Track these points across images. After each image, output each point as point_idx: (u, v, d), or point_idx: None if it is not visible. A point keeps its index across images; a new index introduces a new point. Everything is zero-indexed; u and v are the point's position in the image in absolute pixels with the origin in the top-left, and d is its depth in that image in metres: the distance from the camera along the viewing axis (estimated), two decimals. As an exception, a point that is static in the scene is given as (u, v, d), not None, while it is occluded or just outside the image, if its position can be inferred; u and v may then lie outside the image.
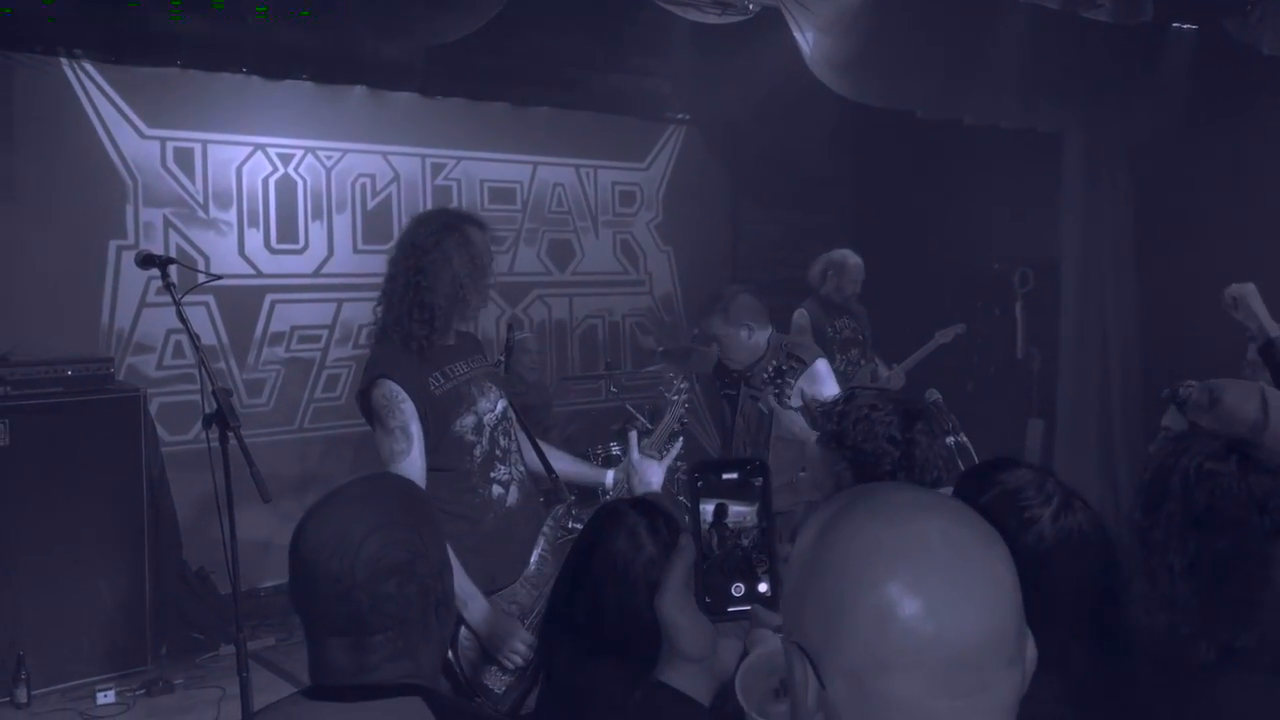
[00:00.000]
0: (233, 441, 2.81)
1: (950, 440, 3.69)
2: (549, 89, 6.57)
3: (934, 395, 4.02)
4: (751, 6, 5.19)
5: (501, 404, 3.00)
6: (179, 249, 5.39)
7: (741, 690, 1.22)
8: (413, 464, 2.74)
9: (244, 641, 2.74)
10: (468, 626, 2.65)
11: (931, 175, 6.76)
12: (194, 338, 2.71)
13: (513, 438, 3.05)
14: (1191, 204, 5.73)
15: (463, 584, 2.54)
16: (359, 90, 5.98)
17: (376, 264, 5.95)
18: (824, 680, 0.85)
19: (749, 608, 1.08)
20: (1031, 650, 0.87)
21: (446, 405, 2.84)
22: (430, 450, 2.79)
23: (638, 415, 5.59)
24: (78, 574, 4.54)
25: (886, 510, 0.88)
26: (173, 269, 2.98)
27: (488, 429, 2.93)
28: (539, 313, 6.82)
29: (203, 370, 2.68)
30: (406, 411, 2.74)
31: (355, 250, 5.97)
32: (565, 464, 3.21)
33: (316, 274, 5.88)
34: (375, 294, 3.00)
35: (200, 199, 5.51)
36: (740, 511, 1.09)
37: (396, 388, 2.74)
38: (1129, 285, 6.22)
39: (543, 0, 5.38)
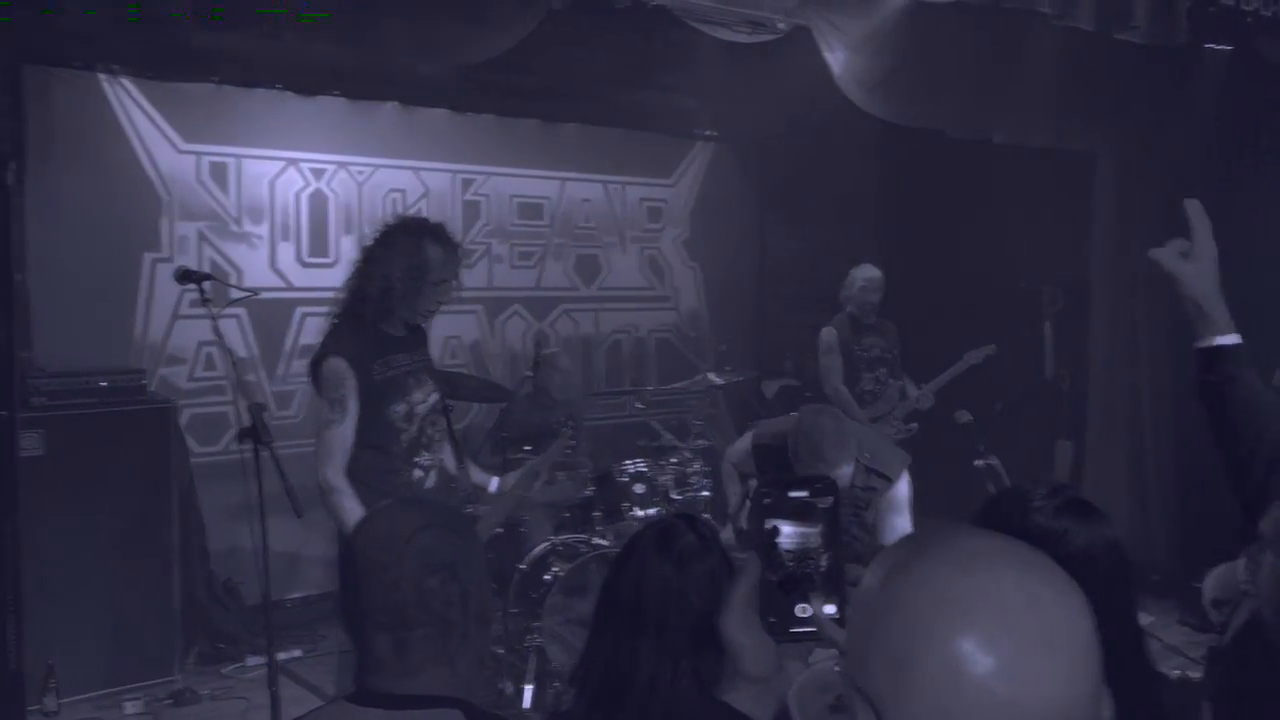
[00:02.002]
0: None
1: (979, 463, 3.67)
2: (578, 106, 6.61)
3: (965, 417, 3.99)
4: (781, 25, 5.19)
5: (434, 397, 3.37)
6: (212, 263, 5.44)
7: (796, 706, 1.21)
8: (342, 434, 3.08)
9: (275, 655, 2.75)
10: None
11: (960, 193, 6.73)
12: (229, 353, 2.76)
13: (440, 429, 3.40)
14: (1224, 225, 5.66)
15: None
16: (391, 106, 6.03)
17: (406, 278, 6.05)
18: None
19: (814, 630, 1.06)
20: (1108, 710, 0.83)
21: (383, 391, 3.17)
22: (362, 428, 3.12)
23: (664, 431, 5.58)
24: (108, 583, 4.58)
25: (960, 559, 0.83)
26: (208, 284, 3.03)
27: (418, 418, 3.28)
28: (565, 327, 6.84)
29: (237, 385, 2.72)
30: (348, 387, 3.08)
31: (385, 264, 6.01)
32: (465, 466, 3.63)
33: (346, 288, 5.93)
34: None
35: (233, 213, 5.57)
36: (806, 532, 1.08)
37: (344, 364, 3.09)
38: (1160, 306, 6.16)
39: (573, 18, 5.42)
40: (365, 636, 1.51)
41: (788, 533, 1.08)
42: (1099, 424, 6.36)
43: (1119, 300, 6.27)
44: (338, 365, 3.10)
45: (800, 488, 1.09)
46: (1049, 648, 0.78)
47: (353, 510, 3.06)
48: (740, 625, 1.11)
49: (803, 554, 1.08)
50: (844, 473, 3.57)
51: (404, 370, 3.26)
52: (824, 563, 1.07)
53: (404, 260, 3.18)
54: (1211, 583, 3.48)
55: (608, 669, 1.69)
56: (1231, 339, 1.90)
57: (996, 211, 6.57)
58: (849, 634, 0.89)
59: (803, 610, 1.06)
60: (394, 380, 3.22)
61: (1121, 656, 1.54)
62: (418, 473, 3.29)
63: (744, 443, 4.45)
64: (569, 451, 4.14)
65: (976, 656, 0.77)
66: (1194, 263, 1.88)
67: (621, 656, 1.68)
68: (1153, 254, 1.90)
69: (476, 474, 3.67)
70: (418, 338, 3.41)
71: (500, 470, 4.77)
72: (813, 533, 1.08)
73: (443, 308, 3.45)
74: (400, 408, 3.22)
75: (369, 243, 3.31)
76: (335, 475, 3.09)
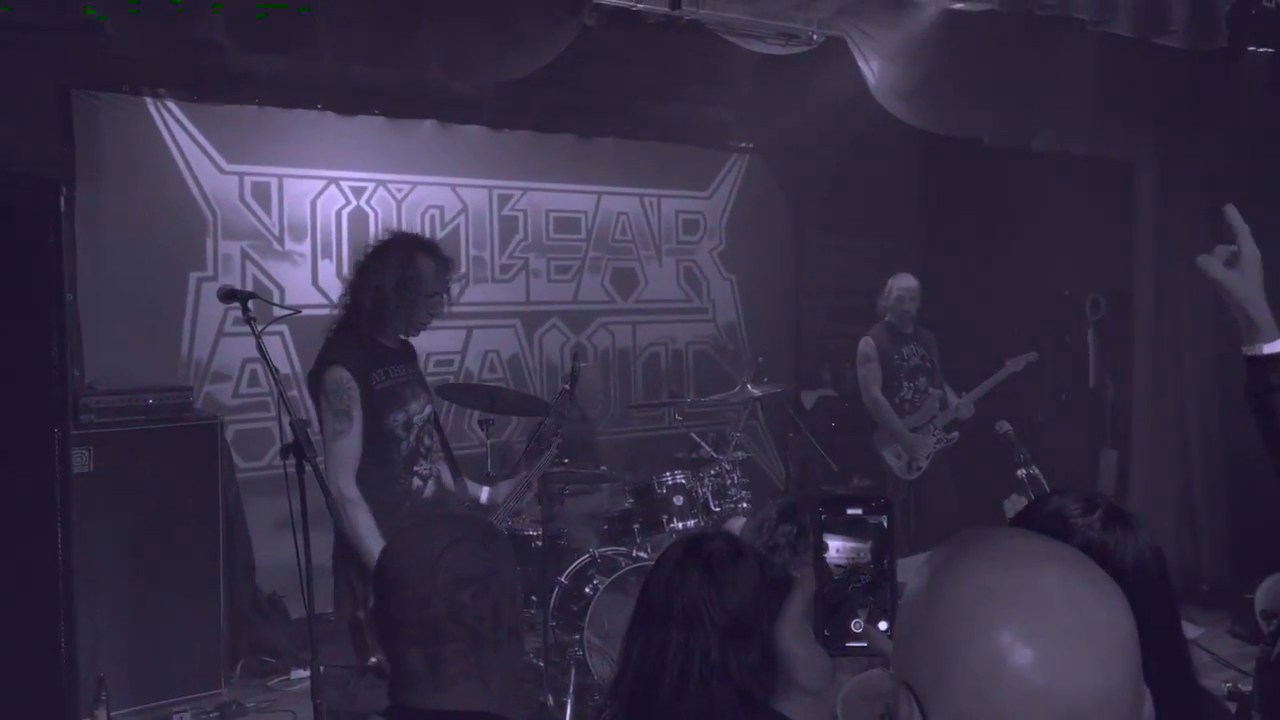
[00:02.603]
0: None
1: (1021, 473, 3.64)
2: (613, 120, 6.65)
3: (1005, 427, 3.96)
4: (816, 37, 5.20)
5: (429, 408, 3.43)
6: (255, 281, 5.54)
7: (844, 714, 1.23)
8: (351, 443, 3.13)
9: (319, 668, 2.79)
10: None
11: (999, 200, 6.68)
12: (273, 370, 2.80)
13: (434, 439, 3.45)
14: (1270, 231, 5.57)
15: (376, 545, 2.95)
16: (429, 124, 6.11)
17: (444, 294, 6.11)
18: None
19: (866, 644, 1.08)
20: (1149, 709, 0.86)
21: (383, 400, 3.22)
22: (364, 437, 3.15)
23: (702, 443, 5.58)
24: (156, 597, 4.66)
25: (1002, 556, 0.87)
26: (252, 302, 3.08)
27: (416, 427, 3.33)
28: (603, 340, 6.86)
29: (282, 401, 2.76)
30: (352, 395, 3.13)
31: (424, 280, 6.07)
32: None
33: (386, 304, 5.99)
34: (443, 323, 3.37)
35: (276, 232, 5.66)
36: (856, 547, 1.10)
37: (347, 374, 3.13)
38: (1206, 312, 6.07)
39: (607, 34, 5.46)
40: (398, 651, 1.53)
41: (837, 547, 1.11)
42: (1144, 432, 6.27)
43: (1163, 306, 6.19)
44: (340, 375, 3.15)
45: (856, 505, 1.12)
46: (1087, 641, 0.81)
47: (365, 523, 3.09)
48: (795, 637, 1.14)
49: (851, 569, 1.10)
50: None
51: (401, 380, 3.32)
52: (871, 577, 1.09)
53: (397, 272, 3.26)
54: (1263, 594, 3.41)
55: (638, 672, 1.71)
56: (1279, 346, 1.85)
57: (1037, 218, 6.51)
58: (896, 632, 0.92)
59: (856, 625, 1.09)
60: (393, 390, 3.27)
61: (1168, 666, 1.52)
62: (416, 481, 3.35)
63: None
64: (562, 463, 4.21)
65: (1016, 647, 0.80)
66: (1239, 269, 1.86)
67: (650, 656, 1.69)
68: (1199, 261, 1.88)
69: (469, 485, 3.72)
70: (409, 350, 3.49)
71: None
72: (863, 548, 1.10)
73: (435, 321, 3.51)
74: (399, 417, 3.28)
75: (362, 257, 3.37)
76: (349, 486, 3.13)
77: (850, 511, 1.11)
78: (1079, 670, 0.80)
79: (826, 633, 1.09)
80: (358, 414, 3.15)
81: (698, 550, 1.77)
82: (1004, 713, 0.80)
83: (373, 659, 2.86)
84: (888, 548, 1.10)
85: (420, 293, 3.30)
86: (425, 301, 3.34)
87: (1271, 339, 1.86)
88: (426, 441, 3.40)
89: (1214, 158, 5.80)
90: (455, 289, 3.57)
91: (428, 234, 6.07)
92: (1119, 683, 0.81)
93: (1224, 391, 6.09)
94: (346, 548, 3.18)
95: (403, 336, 3.44)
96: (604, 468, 5.73)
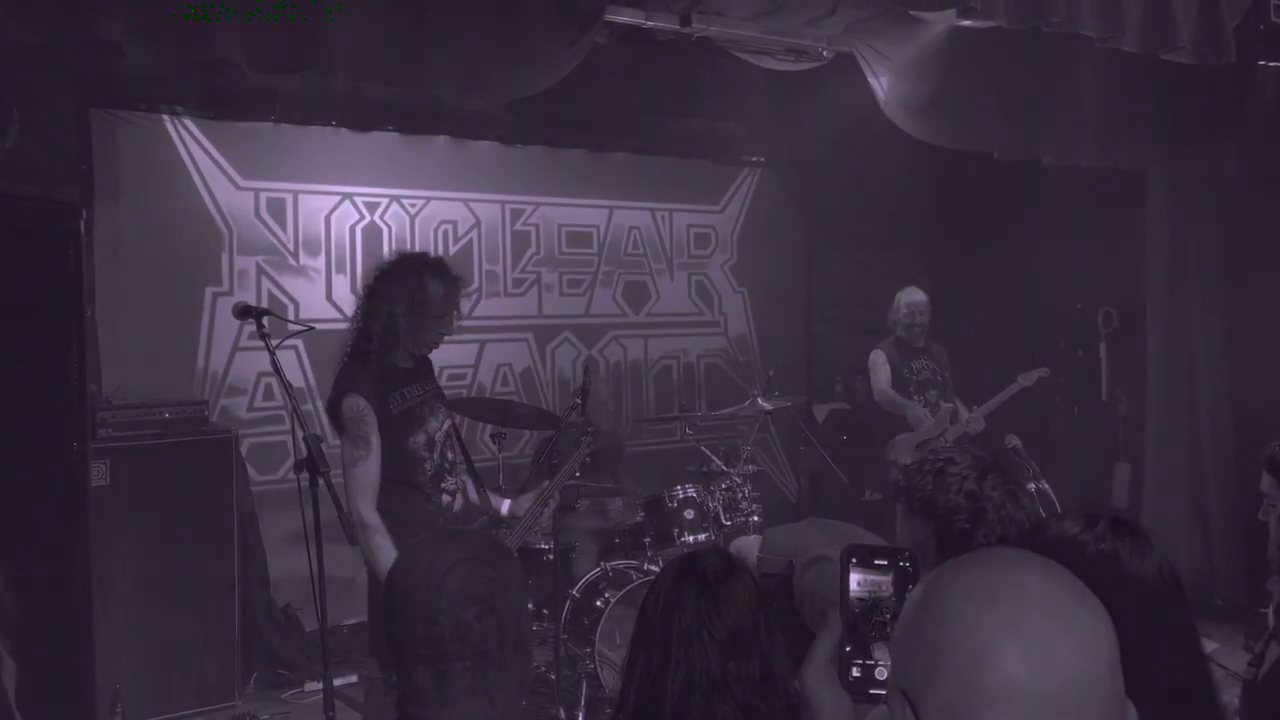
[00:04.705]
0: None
1: (1031, 487, 3.62)
2: (625, 135, 6.69)
3: (1014, 441, 3.96)
4: (826, 53, 5.22)
5: (447, 423, 3.46)
6: (270, 295, 5.59)
7: None
8: (369, 469, 3.17)
9: (331, 681, 2.81)
10: None
11: (1011, 213, 6.68)
12: (287, 385, 2.83)
13: (457, 452, 3.48)
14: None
15: None
16: (442, 140, 6.16)
17: (457, 308, 6.15)
18: (921, 719, 0.88)
19: None
20: (1133, 717, 0.90)
21: (402, 423, 3.25)
22: (387, 462, 3.19)
23: (713, 457, 5.59)
24: (172, 610, 4.69)
25: (988, 561, 0.95)
26: (266, 318, 3.12)
27: (438, 445, 3.38)
28: (614, 354, 6.89)
29: (295, 416, 2.79)
30: (369, 423, 3.17)
31: (437, 295, 6.11)
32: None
33: (400, 318, 6.03)
34: (456, 337, 3.40)
35: (291, 247, 5.72)
36: (878, 580, 1.13)
37: (363, 402, 3.17)
38: (1218, 325, 6.05)
39: (618, 50, 5.50)
40: (406, 667, 1.56)
41: (859, 580, 1.13)
42: (1157, 445, 6.24)
43: (1175, 319, 6.18)
44: (356, 403, 3.19)
45: (883, 557, 1.15)
46: (1065, 634, 0.86)
47: (385, 548, 3.10)
48: (820, 681, 1.16)
49: (874, 603, 1.12)
50: None
51: (418, 400, 3.36)
52: (893, 612, 1.11)
53: (406, 297, 3.29)
54: (1276, 608, 3.39)
55: (640, 692, 1.73)
56: None
57: (1048, 232, 6.51)
58: (894, 641, 0.97)
59: (881, 673, 1.10)
60: (410, 411, 3.32)
61: (1189, 686, 1.51)
62: (445, 498, 3.39)
63: (751, 549, 4.26)
64: (574, 477, 4.16)
65: (999, 640, 0.86)
66: None
67: (651, 676, 1.71)
68: None
69: (491, 497, 3.75)
70: (424, 368, 3.51)
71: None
72: (884, 581, 1.12)
73: (446, 339, 3.54)
74: (420, 437, 3.32)
75: (371, 281, 3.40)
76: (369, 513, 3.15)
77: (878, 562, 1.14)
78: (1055, 659, 0.85)
79: (851, 679, 1.12)
80: (375, 440, 3.20)
81: (693, 568, 1.79)
82: (989, 701, 0.84)
83: None
84: (911, 583, 1.11)
85: (430, 315, 3.34)
86: (435, 323, 3.38)
87: None
88: (450, 457, 3.45)
89: (1226, 171, 5.79)
90: (465, 305, 3.60)
91: (440, 250, 6.15)
92: (1093, 670, 0.86)
93: (1237, 404, 6.07)
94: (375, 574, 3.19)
95: (416, 355, 3.47)
96: (626, 482, 5.74)
